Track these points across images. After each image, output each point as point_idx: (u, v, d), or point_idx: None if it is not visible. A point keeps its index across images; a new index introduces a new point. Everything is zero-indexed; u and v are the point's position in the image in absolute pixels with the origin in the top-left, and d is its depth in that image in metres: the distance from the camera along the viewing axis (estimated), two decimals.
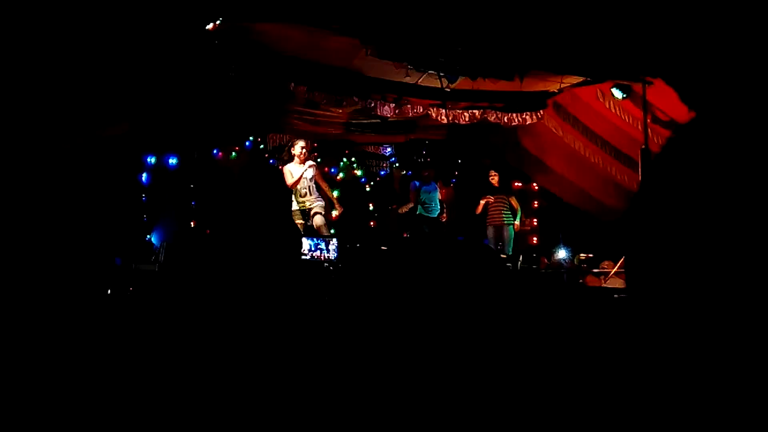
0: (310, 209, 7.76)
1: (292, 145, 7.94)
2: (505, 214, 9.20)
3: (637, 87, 7.09)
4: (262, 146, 9.86)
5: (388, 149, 10.49)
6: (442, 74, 6.41)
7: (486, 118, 8.43)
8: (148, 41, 5.68)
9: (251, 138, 9.78)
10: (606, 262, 7.78)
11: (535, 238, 10.90)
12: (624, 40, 6.43)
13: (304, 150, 7.83)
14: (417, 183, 8.93)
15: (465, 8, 5.89)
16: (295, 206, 7.81)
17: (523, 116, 8.38)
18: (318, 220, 7.66)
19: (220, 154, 9.24)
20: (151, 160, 8.14)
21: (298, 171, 7.68)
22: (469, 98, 7.96)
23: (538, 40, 6.42)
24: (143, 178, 8.12)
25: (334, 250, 7.01)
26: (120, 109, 6.82)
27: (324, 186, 8.03)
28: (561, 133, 8.79)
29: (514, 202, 9.43)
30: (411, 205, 8.85)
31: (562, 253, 9.49)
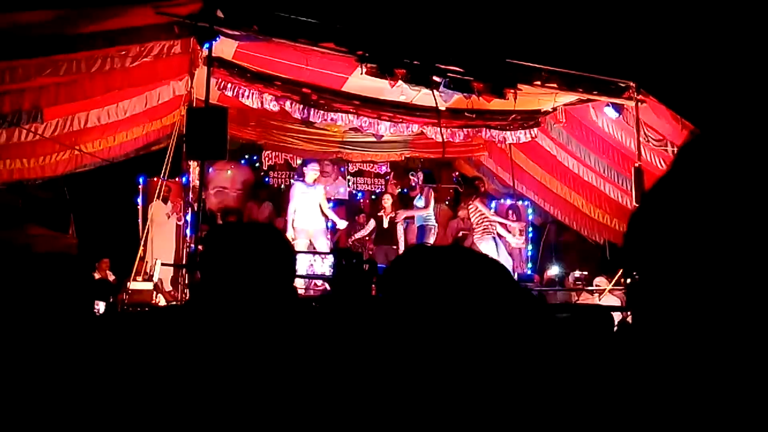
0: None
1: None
2: None
3: (629, 105, 7.20)
4: (258, 164, 9.88)
5: (383, 167, 10.53)
6: (438, 91, 6.47)
7: (480, 136, 8.53)
8: None
9: (246, 156, 9.81)
10: (599, 279, 7.77)
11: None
12: (618, 59, 6.54)
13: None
14: None
15: (460, 27, 5.99)
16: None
17: (517, 134, 8.48)
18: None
19: (213, 172, 9.22)
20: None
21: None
22: (464, 117, 8.05)
23: (530, 58, 6.53)
24: (138, 199, 8.10)
25: (330, 266, 6.98)
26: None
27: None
28: (554, 151, 8.88)
29: None
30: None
31: (555, 271, 9.49)
